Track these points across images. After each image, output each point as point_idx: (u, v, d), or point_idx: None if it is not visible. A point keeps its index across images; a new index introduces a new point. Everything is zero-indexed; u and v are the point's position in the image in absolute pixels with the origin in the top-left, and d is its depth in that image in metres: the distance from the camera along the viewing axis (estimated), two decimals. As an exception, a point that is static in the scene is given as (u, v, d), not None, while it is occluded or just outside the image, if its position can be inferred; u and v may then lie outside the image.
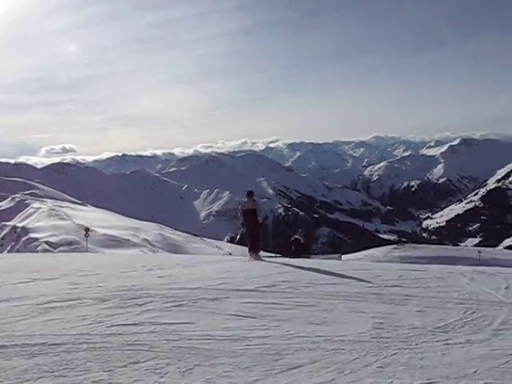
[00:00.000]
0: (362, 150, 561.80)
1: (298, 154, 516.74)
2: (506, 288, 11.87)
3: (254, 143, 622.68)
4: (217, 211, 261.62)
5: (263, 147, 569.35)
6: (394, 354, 6.37)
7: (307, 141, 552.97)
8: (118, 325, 7.53)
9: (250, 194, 17.95)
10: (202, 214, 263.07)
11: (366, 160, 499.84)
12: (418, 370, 5.76)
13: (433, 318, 8.46)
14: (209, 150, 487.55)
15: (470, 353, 6.56)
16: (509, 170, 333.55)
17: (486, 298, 10.52)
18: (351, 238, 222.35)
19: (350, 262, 23.58)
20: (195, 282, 11.40)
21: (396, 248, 49.37)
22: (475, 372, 5.82)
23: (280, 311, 8.54)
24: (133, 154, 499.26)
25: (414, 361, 6.11)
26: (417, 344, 6.85)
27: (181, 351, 6.35)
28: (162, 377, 5.45)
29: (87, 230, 39.11)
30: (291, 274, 13.04)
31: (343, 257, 36.43)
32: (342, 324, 7.76)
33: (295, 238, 23.54)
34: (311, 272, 13.49)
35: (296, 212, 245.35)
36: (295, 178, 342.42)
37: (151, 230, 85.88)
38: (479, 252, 43.38)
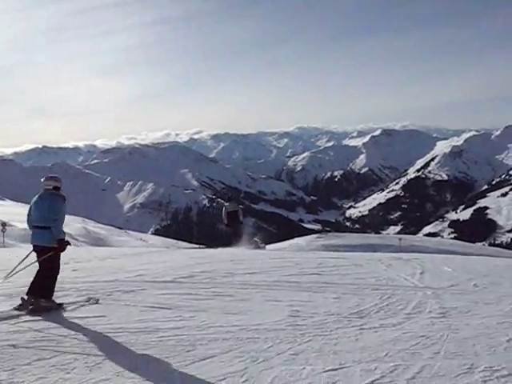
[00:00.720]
0: (285, 140, 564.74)
1: (222, 145, 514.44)
2: (421, 273, 12.17)
3: (177, 134, 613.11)
4: (141, 203, 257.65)
5: (187, 138, 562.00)
6: (309, 340, 6.38)
7: (231, 132, 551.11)
8: (24, 321, 7.19)
9: (231, 198, 22.06)
10: (126, 207, 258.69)
11: (289, 150, 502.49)
12: (331, 356, 5.77)
13: (349, 304, 8.55)
14: (132, 142, 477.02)
15: (383, 337, 6.66)
16: (428, 159, 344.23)
17: (402, 284, 10.76)
18: (276, 228, 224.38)
19: (273, 251, 23.54)
20: (112, 274, 11.10)
21: (319, 237, 49.40)
22: (386, 355, 5.89)
23: (196, 302, 8.42)
24: (54, 146, 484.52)
25: (327, 347, 6.13)
26: (332, 330, 6.89)
27: (90, 346, 6.13)
28: (68, 373, 5.22)
29: (4, 224, 37.61)
30: (210, 264, 12.87)
31: (267, 247, 36.37)
32: (258, 313, 7.72)
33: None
34: (230, 262, 13.37)
35: (221, 203, 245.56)
36: (219, 169, 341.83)
37: (74, 224, 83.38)
38: (400, 239, 43.92)
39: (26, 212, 8.14)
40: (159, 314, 7.54)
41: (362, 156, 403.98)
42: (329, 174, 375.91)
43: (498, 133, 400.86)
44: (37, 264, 7.86)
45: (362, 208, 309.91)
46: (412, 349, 6.15)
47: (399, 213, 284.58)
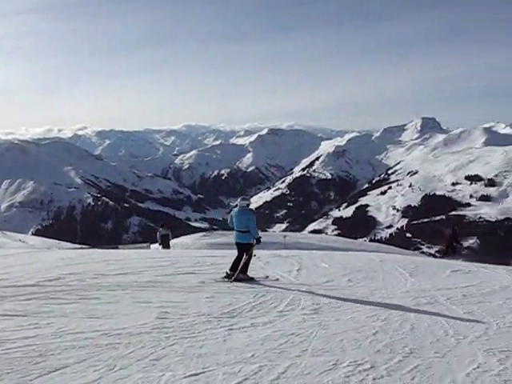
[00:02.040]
0: (172, 138, 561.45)
1: (107, 142, 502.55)
2: (298, 270, 12.19)
3: (60, 130, 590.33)
4: (20, 202, 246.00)
5: (71, 135, 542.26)
6: (173, 344, 6.06)
7: (117, 129, 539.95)
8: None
9: (164, 224, 27.88)
10: (3, 206, 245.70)
11: (177, 148, 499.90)
12: (195, 360, 5.49)
13: (222, 303, 8.33)
14: (10, 137, 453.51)
15: (252, 336, 6.48)
16: (312, 159, 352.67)
17: (278, 281, 10.67)
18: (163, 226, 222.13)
19: (155, 251, 23.05)
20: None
21: (205, 235, 49.33)
22: (253, 356, 5.70)
23: (58, 306, 7.78)
24: None
25: (192, 350, 5.84)
26: (200, 332, 6.62)
27: None
28: None
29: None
30: (80, 265, 12.19)
31: (152, 246, 35.70)
32: (124, 316, 7.28)
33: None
34: (104, 262, 12.75)
35: (106, 202, 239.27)
36: (105, 167, 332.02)
37: None
38: (284, 236, 44.83)
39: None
40: (11, 322, 6.79)
41: (249, 155, 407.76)
42: (216, 173, 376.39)
43: (377, 134, 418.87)
44: None
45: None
46: (280, 348, 6.01)
47: (285, 211, 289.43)
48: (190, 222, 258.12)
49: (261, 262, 13.23)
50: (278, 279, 11.04)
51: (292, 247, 43.00)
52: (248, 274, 11.15)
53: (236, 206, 11.62)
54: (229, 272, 10.97)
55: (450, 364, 5.63)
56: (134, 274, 10.92)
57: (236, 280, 10.61)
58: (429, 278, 11.87)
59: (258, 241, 11.21)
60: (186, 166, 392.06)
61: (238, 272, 10.81)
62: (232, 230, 11.32)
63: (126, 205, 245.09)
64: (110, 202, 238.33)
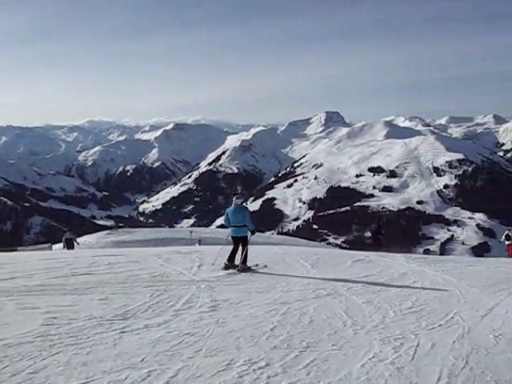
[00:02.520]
0: (75, 134, 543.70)
1: (4, 138, 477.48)
2: (199, 266, 11.93)
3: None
4: None
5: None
6: (57, 352, 5.60)
7: (14, 124, 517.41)
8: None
9: (70, 229, 28.72)
10: None
11: (79, 145, 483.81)
12: (79, 369, 5.09)
13: (116, 305, 7.92)
14: None
15: (145, 339, 6.14)
16: (219, 153, 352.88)
17: (177, 278, 10.39)
18: (66, 225, 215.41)
19: (52, 252, 22.08)
20: None
21: (109, 233, 48.30)
22: (143, 360, 5.38)
23: None
24: None
25: (77, 358, 5.42)
26: (88, 337, 6.19)
27: None
28: None
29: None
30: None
31: (54, 246, 34.41)
32: (4, 326, 6.67)
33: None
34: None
35: (4, 201, 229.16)
36: (2, 165, 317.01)
37: None
38: (191, 232, 44.58)
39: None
40: None
41: (155, 150, 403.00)
42: (121, 169, 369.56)
43: (283, 128, 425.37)
44: None
45: (155, 202, 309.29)
46: (172, 350, 5.74)
47: (192, 206, 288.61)
48: (95, 220, 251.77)
49: (161, 260, 12.86)
50: (266, 266, 12.45)
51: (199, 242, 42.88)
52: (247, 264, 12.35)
53: (231, 204, 13.06)
54: (227, 263, 12.26)
55: (346, 356, 5.60)
56: (23, 277, 10.20)
57: (242, 270, 11.85)
58: (330, 268, 11.99)
59: (253, 232, 12.95)
60: (89, 163, 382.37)
61: (242, 263, 12.11)
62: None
63: (26, 204, 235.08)
64: (9, 202, 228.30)
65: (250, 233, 12.78)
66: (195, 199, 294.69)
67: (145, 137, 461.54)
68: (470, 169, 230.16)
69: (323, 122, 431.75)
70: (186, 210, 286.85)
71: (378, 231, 27.64)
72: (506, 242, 27.76)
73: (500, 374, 5.16)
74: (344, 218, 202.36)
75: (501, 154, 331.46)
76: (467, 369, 5.27)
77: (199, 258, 13.31)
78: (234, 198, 13.11)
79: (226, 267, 12.01)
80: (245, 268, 11.93)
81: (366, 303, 8.20)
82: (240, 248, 12.44)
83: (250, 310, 7.65)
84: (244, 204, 13.47)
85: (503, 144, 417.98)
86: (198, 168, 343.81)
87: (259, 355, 5.52)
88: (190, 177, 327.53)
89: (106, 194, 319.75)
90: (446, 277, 11.04)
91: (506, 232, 28.10)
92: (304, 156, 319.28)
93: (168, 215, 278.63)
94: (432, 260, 14.43)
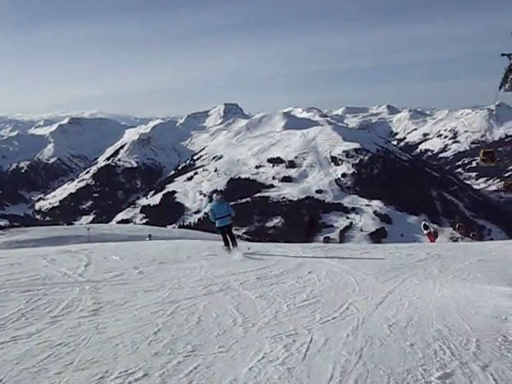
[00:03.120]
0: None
1: None
2: (86, 265, 11.19)
3: None
4: None
5: None
6: None
7: None
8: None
9: None
10: None
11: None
12: None
13: (-15, 314, 7.07)
14: None
15: (8, 355, 5.41)
16: (117, 147, 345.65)
17: (61, 280, 9.60)
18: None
19: None
20: None
21: (1, 234, 45.94)
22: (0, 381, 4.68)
23: None
24: None
25: None
26: None
27: None
28: None
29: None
30: None
31: None
32: None
33: None
34: None
35: None
36: None
37: None
38: (88, 229, 43.26)
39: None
40: None
41: (50, 145, 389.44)
42: (14, 166, 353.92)
43: (182, 121, 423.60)
44: None
45: (52, 199, 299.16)
46: (39, 365, 5.06)
47: (91, 202, 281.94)
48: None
49: (45, 261, 11.95)
50: (249, 248, 14.93)
51: (97, 239, 41.48)
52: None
53: (211, 201, 15.73)
54: (225, 246, 14.54)
55: (234, 359, 5.18)
56: None
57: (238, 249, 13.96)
58: (225, 262, 11.61)
59: (233, 218, 15.52)
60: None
61: (233, 245, 14.51)
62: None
63: None
64: None
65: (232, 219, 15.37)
66: (94, 195, 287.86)
67: (39, 132, 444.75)
68: (366, 158, 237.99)
69: (222, 114, 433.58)
70: (84, 207, 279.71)
71: (312, 223, 28.53)
72: (425, 232, 29.54)
73: (393, 367, 4.91)
74: (245, 209, 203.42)
75: (394, 142, 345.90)
76: (360, 364, 4.99)
77: (87, 256, 12.50)
78: (214, 195, 15.72)
79: (228, 249, 14.34)
80: (236, 247, 14.42)
81: (259, 298, 7.84)
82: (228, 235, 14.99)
83: (135, 311, 7.07)
84: (220, 196, 15.77)
85: (397, 133, 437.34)
86: (96, 163, 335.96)
87: (137, 364, 4.98)
88: (87, 172, 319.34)
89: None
90: (341, 265, 10.91)
91: (423, 222, 30.13)
92: (203, 148, 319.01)
93: (66, 212, 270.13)
94: (329, 249, 14.38)
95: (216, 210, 14.90)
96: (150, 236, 38.05)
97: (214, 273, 10.08)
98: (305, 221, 32.71)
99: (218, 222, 14.86)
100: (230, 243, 14.56)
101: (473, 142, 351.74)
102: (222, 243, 14.71)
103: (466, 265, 11.08)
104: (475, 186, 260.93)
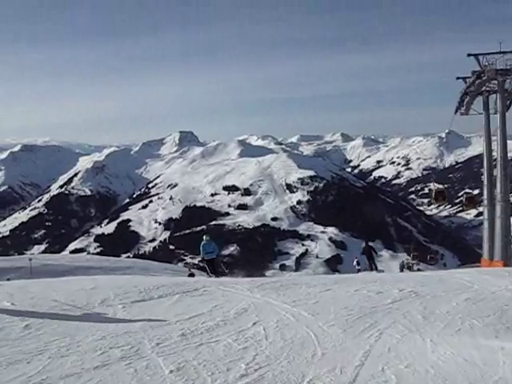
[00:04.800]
0: None
1: None
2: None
3: None
4: None
5: None
6: None
7: None
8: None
9: None
10: None
11: None
12: None
13: None
14: None
15: None
16: (71, 175, 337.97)
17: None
18: None
19: None
20: None
21: None
22: None
23: None
24: None
25: None
26: None
27: None
28: None
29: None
30: None
31: None
32: None
33: None
34: None
35: None
36: None
37: None
38: (30, 259, 40.15)
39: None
40: None
41: (1, 173, 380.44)
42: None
43: (136, 148, 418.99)
44: None
45: (2, 229, 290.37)
46: None
47: (43, 231, 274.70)
48: None
49: None
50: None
51: (39, 271, 38.55)
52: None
53: (203, 239, 20.90)
54: (213, 275, 17.61)
55: None
56: None
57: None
58: (148, 307, 9.15)
59: (218, 255, 20.77)
60: None
61: (216, 275, 17.47)
62: None
63: None
64: None
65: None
66: (46, 224, 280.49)
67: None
68: (321, 185, 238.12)
69: (177, 142, 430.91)
70: (36, 236, 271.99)
71: (370, 255, 27.57)
72: (357, 267, 30.60)
73: None
74: (200, 237, 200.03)
75: (349, 169, 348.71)
76: None
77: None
78: (204, 236, 21.31)
79: (217, 277, 17.28)
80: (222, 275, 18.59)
81: (176, 372, 5.32)
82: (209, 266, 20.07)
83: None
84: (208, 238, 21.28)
85: (351, 160, 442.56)
86: (49, 191, 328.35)
87: None
88: (40, 200, 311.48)
89: None
90: (297, 311, 8.48)
91: (356, 260, 31.01)
92: (159, 176, 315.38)
93: (17, 242, 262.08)
94: (281, 285, 11.86)
95: (206, 247, 20.33)
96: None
97: (126, 326, 7.48)
98: (363, 251, 31.07)
99: (206, 255, 20.21)
100: (214, 274, 18.74)
101: (425, 169, 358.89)
102: (206, 274, 19.45)
103: (454, 307, 8.78)
104: (428, 212, 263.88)
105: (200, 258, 21.71)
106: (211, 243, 20.43)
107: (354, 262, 31.67)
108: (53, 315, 8.22)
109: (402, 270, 29.97)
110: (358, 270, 30.78)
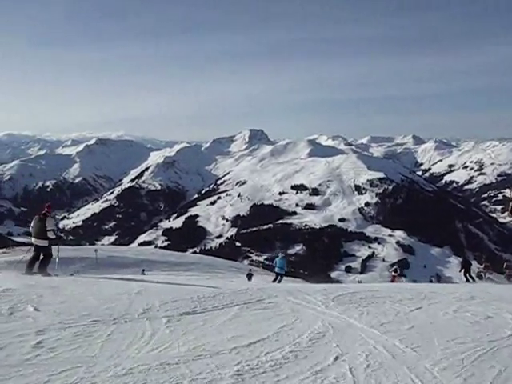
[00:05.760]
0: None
1: None
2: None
3: None
4: None
5: None
6: None
7: None
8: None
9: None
10: None
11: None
12: None
13: None
14: None
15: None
16: (142, 169, 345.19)
17: None
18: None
19: None
20: None
21: (5, 252, 42.77)
22: None
23: None
24: None
25: None
26: None
27: None
28: None
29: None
30: None
31: None
32: None
33: None
34: None
35: None
36: None
37: None
38: (96, 250, 40.03)
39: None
40: None
41: (76, 165, 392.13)
42: (40, 184, 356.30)
43: (207, 145, 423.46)
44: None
45: (76, 219, 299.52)
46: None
47: (114, 223, 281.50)
48: (12, 237, 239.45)
49: None
50: None
51: (105, 262, 38.38)
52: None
53: (277, 256, 24.90)
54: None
55: None
56: None
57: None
58: (195, 326, 7.34)
59: (284, 274, 24.65)
60: (6, 177, 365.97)
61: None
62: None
63: None
64: None
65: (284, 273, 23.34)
66: (117, 216, 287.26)
67: (66, 151, 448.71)
68: (390, 187, 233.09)
69: (247, 140, 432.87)
70: (107, 227, 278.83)
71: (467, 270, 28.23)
72: (393, 273, 33.14)
73: None
74: (267, 236, 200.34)
75: (419, 173, 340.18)
76: None
77: None
78: (279, 253, 25.28)
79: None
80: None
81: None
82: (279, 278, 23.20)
83: None
84: (283, 255, 24.92)
85: (421, 164, 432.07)
86: (121, 184, 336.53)
87: None
88: (111, 193, 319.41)
89: (24, 209, 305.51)
90: (389, 340, 6.53)
91: (395, 267, 32.98)
92: (228, 173, 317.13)
93: (89, 232, 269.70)
94: (361, 298, 9.85)
95: (278, 262, 23.47)
96: (143, 271, 34.52)
97: (164, 353, 5.65)
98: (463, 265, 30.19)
99: (276, 269, 23.52)
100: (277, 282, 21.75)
101: (499, 175, 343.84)
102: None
103: None
104: (501, 220, 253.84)
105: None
106: (283, 260, 23.70)
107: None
108: (77, 328, 6.57)
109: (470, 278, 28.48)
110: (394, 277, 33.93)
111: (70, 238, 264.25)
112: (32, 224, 14.44)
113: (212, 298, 9.28)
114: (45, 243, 14.16)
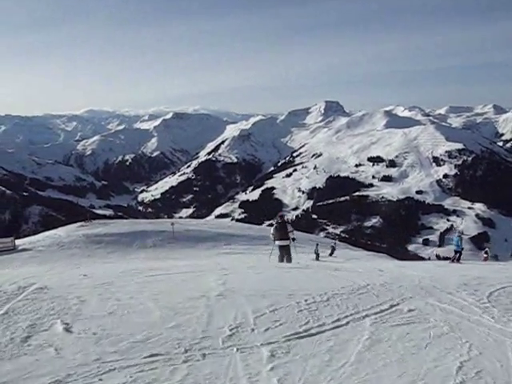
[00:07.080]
0: (74, 123, 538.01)
1: (2, 127, 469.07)
2: None
3: None
4: None
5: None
6: None
7: (14, 114, 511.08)
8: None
9: None
10: None
11: (79, 134, 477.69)
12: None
13: None
14: None
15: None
16: (218, 142, 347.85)
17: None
18: (65, 215, 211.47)
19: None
20: None
21: (82, 226, 44.61)
22: None
23: None
24: None
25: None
26: None
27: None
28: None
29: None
30: None
31: (18, 242, 31.39)
32: None
33: None
34: None
35: (2, 191, 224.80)
36: (1, 155, 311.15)
37: None
38: (172, 224, 41.10)
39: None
40: None
41: (154, 139, 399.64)
42: (120, 158, 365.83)
43: (282, 117, 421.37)
44: None
45: (154, 192, 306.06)
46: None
47: (191, 195, 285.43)
48: (94, 210, 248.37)
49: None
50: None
51: (181, 236, 39.25)
52: None
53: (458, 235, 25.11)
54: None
55: None
56: None
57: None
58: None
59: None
60: (88, 152, 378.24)
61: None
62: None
63: (24, 193, 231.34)
64: (7, 191, 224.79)
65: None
66: (194, 189, 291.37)
67: (144, 126, 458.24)
68: (469, 159, 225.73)
69: (323, 112, 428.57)
70: (184, 200, 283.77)
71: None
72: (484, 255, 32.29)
73: None
74: (343, 208, 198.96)
75: (500, 144, 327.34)
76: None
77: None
78: (457, 231, 27.80)
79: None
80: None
81: None
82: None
83: None
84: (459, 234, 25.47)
85: (503, 134, 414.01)
86: (197, 157, 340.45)
87: None
88: (188, 166, 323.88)
89: (105, 183, 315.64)
90: None
91: (486, 249, 32.93)
92: (303, 145, 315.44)
93: (167, 205, 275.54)
94: (479, 284, 8.13)
95: (455, 241, 24.39)
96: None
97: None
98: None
99: (455, 248, 24.07)
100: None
101: None
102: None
103: None
104: None
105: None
106: (459, 239, 24.23)
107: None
108: (120, 375, 4.32)
109: None
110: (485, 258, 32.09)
111: (149, 210, 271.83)
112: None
113: (325, 302, 6.89)
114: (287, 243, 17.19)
